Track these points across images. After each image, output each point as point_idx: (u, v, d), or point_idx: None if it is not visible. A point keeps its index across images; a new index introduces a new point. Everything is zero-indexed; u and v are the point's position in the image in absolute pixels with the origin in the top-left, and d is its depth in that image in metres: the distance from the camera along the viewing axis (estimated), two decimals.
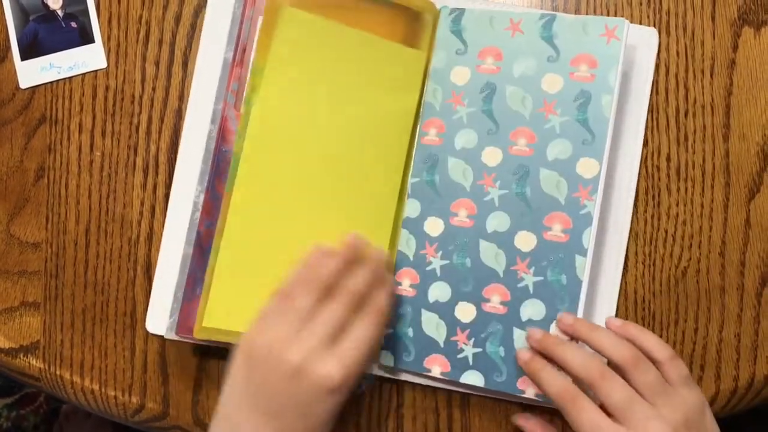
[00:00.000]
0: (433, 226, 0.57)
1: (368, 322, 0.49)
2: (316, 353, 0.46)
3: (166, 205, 0.61)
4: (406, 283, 0.58)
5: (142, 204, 0.61)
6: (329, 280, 0.49)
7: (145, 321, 0.60)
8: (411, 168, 0.59)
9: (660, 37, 0.60)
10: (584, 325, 0.52)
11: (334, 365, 0.46)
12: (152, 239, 0.61)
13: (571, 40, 0.55)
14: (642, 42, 0.59)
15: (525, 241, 0.55)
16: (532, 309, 0.54)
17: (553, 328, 0.53)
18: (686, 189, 0.59)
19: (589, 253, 0.53)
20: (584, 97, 0.54)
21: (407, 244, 0.58)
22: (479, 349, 0.55)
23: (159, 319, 0.59)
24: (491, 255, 0.55)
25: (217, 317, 0.54)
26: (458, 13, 0.59)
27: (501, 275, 0.55)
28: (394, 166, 0.58)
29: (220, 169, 0.56)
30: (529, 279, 0.54)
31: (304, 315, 0.48)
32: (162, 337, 0.60)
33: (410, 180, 0.59)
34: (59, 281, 0.61)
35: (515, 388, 0.54)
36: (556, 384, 0.50)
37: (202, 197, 0.56)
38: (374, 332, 0.49)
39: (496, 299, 0.55)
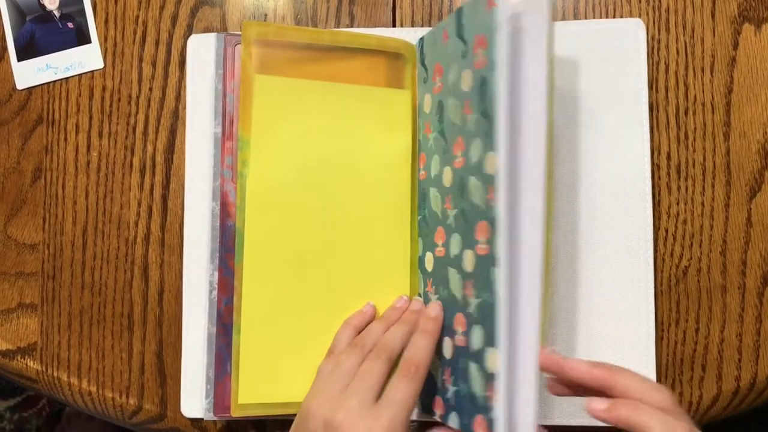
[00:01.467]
0: (429, 262, 0.56)
1: (404, 381, 0.50)
2: (356, 411, 0.48)
3: (164, 205, 0.61)
4: None
5: (139, 204, 0.61)
6: (372, 341, 0.53)
7: (143, 323, 0.60)
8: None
9: (659, 34, 0.59)
10: (604, 368, 0.45)
11: (372, 425, 0.47)
12: (149, 240, 0.61)
13: (473, 27, 0.49)
14: (628, 35, 0.58)
15: (469, 260, 0.49)
16: (477, 336, 0.48)
17: (493, 362, 0.46)
18: (687, 187, 0.59)
19: (501, 262, 0.45)
20: (483, 85, 0.47)
21: (420, 285, 0.57)
22: (455, 388, 0.51)
23: (193, 402, 0.59)
24: (456, 282, 0.51)
25: (251, 392, 0.55)
26: (421, 42, 0.58)
27: (460, 302, 0.50)
28: (401, 210, 0.57)
29: (228, 244, 0.56)
30: (473, 302, 0.48)
31: (349, 375, 0.51)
32: (160, 342, 0.60)
33: (417, 219, 0.58)
34: (56, 283, 0.61)
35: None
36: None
37: (216, 275, 0.57)
38: (410, 389, 0.49)
39: (459, 330, 0.50)
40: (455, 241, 0.51)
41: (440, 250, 0.53)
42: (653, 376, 0.56)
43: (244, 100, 0.55)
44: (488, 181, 0.46)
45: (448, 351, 0.51)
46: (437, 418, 0.53)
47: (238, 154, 0.55)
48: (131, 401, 0.60)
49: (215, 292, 0.57)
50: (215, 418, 0.56)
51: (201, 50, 0.60)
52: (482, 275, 0.47)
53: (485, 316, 0.46)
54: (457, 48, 0.50)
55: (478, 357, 0.47)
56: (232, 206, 0.56)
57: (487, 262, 0.46)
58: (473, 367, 0.48)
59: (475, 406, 0.47)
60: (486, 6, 0.46)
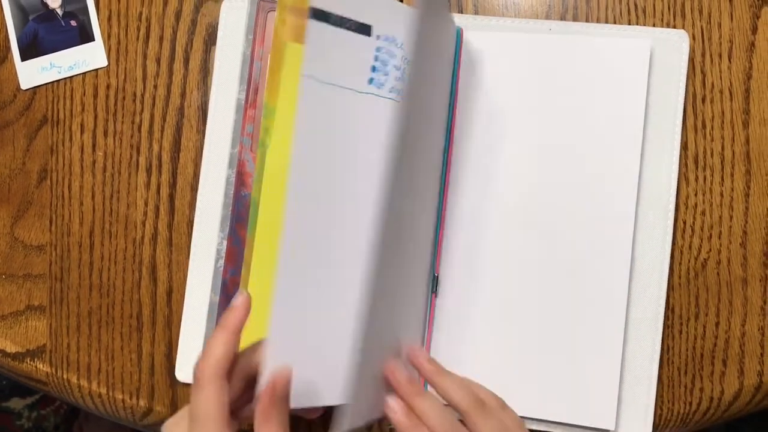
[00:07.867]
0: None
1: None
2: None
3: (171, 205, 0.60)
4: None
5: (146, 204, 0.60)
6: None
7: (152, 324, 0.59)
8: None
9: (675, 20, 0.57)
10: (433, 367, 0.50)
11: None
12: (157, 240, 0.60)
13: None
14: (671, 47, 0.56)
15: None
16: None
17: None
18: (705, 178, 0.57)
19: None
20: None
21: None
22: None
23: (188, 368, 0.58)
24: None
25: None
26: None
27: None
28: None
29: (240, 214, 0.55)
30: None
31: None
32: (169, 343, 0.59)
33: None
34: (64, 284, 0.60)
35: None
36: None
37: (224, 244, 0.56)
38: None
39: None
40: None
41: None
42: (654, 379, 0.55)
43: (274, 67, 0.53)
44: None
45: None
46: None
47: (262, 121, 0.53)
48: (141, 403, 0.59)
49: (222, 261, 0.56)
50: None
51: (233, 14, 0.59)
52: None
53: None
54: None
55: None
56: (249, 176, 0.55)
57: None
58: None
59: None
60: None
